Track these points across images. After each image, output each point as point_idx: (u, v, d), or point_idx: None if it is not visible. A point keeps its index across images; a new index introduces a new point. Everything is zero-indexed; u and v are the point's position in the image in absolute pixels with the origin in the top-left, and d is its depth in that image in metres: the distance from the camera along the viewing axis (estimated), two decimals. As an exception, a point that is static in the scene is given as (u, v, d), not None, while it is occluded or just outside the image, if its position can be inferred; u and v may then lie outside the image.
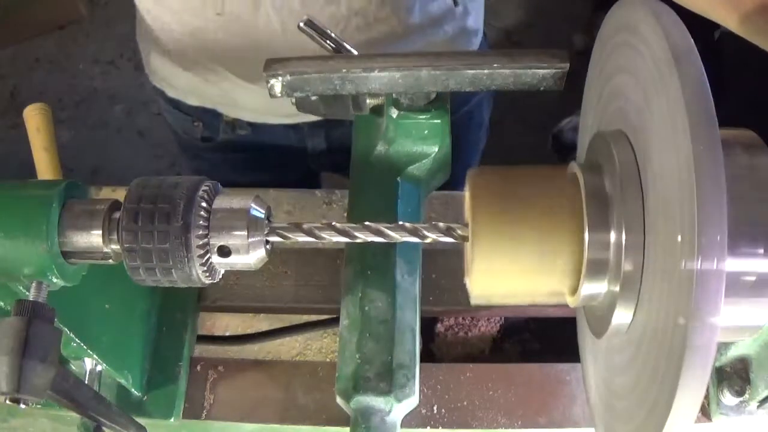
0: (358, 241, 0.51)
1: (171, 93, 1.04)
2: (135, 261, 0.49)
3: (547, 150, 1.97)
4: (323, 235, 0.51)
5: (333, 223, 0.51)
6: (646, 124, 0.46)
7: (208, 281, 0.51)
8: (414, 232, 0.50)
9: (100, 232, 0.50)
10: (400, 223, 0.51)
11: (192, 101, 1.04)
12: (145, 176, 0.52)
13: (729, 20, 0.62)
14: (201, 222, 0.49)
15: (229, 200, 0.51)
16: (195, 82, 0.99)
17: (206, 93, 1.01)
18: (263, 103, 0.95)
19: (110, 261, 0.52)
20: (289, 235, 0.51)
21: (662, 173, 0.43)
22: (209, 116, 1.06)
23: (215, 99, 1.02)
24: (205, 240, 0.49)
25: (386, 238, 0.50)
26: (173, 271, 0.49)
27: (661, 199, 0.43)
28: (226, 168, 1.14)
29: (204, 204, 0.50)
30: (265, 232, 0.50)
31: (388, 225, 0.51)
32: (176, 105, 1.06)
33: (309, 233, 0.51)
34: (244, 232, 0.49)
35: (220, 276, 0.52)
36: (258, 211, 0.50)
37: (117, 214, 0.51)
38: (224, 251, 0.50)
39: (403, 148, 0.67)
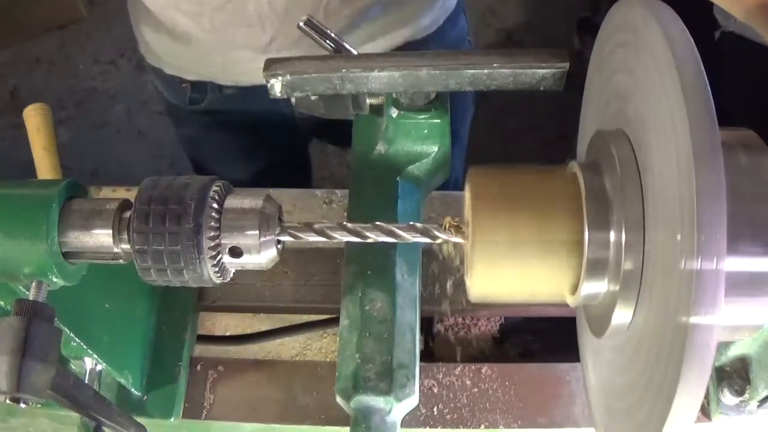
0: (369, 241, 0.51)
1: (168, 70, 1.05)
2: (146, 262, 0.49)
3: (547, 149, 1.97)
4: (335, 235, 0.51)
5: (344, 223, 0.51)
6: (646, 123, 0.46)
7: (219, 281, 0.51)
8: (425, 233, 0.50)
9: (110, 232, 0.50)
10: (412, 223, 0.51)
11: (189, 77, 1.05)
12: (156, 176, 0.52)
13: (735, 11, 0.63)
14: (212, 223, 0.49)
15: (240, 200, 0.50)
16: (193, 62, 1.00)
17: (203, 70, 1.02)
18: (258, 76, 0.96)
19: (120, 261, 0.52)
20: (301, 235, 0.51)
21: (662, 172, 0.43)
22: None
23: (212, 74, 1.03)
24: (217, 241, 0.49)
25: (398, 238, 0.50)
26: (185, 272, 0.49)
27: (661, 199, 0.43)
28: (214, 133, 1.13)
29: (215, 205, 0.49)
30: (277, 232, 0.50)
31: (400, 225, 0.50)
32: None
33: (320, 233, 0.51)
34: (256, 232, 0.49)
35: (231, 275, 0.52)
36: (270, 211, 0.50)
37: (127, 214, 0.50)
38: (236, 252, 0.50)
39: (403, 148, 0.67)
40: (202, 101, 1.08)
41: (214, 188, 0.50)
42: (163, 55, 1.03)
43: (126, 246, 0.50)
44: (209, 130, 1.13)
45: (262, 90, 1.03)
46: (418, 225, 0.50)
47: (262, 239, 0.49)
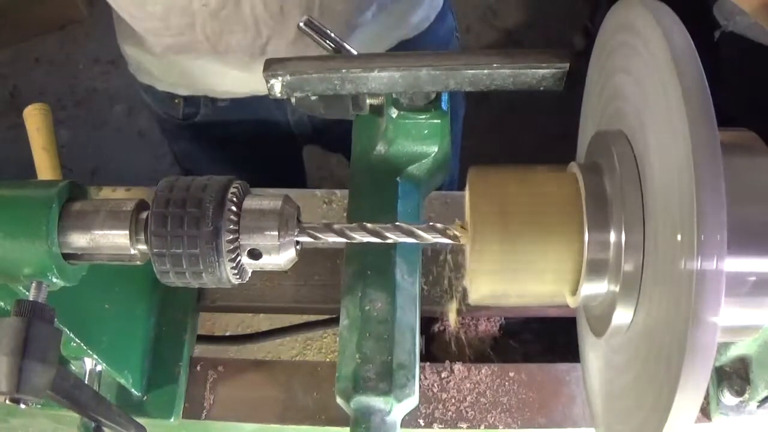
0: (389, 241, 0.50)
1: (160, 87, 1.05)
2: (164, 265, 0.49)
3: (547, 149, 1.97)
4: (354, 235, 0.50)
5: (364, 224, 0.50)
6: (646, 124, 0.46)
7: (237, 282, 0.51)
8: (445, 233, 0.50)
9: (127, 233, 0.50)
10: (432, 224, 0.50)
11: (182, 92, 1.04)
12: (173, 176, 0.52)
13: (744, 6, 0.64)
14: (231, 226, 0.49)
15: (258, 201, 0.50)
16: (186, 76, 1.00)
17: (196, 84, 1.01)
18: (253, 81, 0.95)
19: (138, 262, 0.52)
20: (320, 236, 0.50)
21: (662, 173, 0.43)
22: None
23: (205, 87, 1.02)
24: (236, 243, 0.49)
25: (418, 239, 0.50)
26: (203, 274, 0.49)
27: (661, 199, 0.43)
28: (208, 146, 1.13)
29: (234, 207, 0.49)
30: (296, 233, 0.50)
31: (420, 226, 0.50)
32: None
33: (340, 233, 0.50)
34: (276, 233, 0.49)
35: (249, 276, 0.52)
36: (289, 212, 0.50)
37: (144, 215, 0.50)
38: (255, 253, 0.49)
39: (402, 148, 0.67)
40: (195, 116, 1.07)
41: (232, 190, 0.50)
42: (154, 72, 1.02)
43: (143, 247, 0.50)
44: (203, 143, 1.12)
45: (256, 101, 1.03)
46: (438, 225, 0.50)
47: (282, 240, 0.49)
